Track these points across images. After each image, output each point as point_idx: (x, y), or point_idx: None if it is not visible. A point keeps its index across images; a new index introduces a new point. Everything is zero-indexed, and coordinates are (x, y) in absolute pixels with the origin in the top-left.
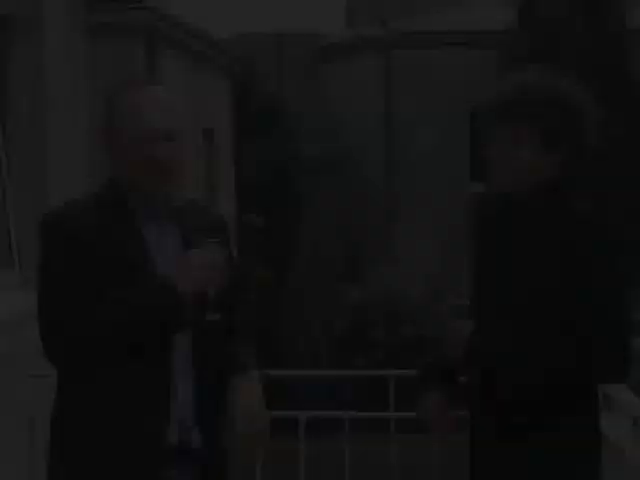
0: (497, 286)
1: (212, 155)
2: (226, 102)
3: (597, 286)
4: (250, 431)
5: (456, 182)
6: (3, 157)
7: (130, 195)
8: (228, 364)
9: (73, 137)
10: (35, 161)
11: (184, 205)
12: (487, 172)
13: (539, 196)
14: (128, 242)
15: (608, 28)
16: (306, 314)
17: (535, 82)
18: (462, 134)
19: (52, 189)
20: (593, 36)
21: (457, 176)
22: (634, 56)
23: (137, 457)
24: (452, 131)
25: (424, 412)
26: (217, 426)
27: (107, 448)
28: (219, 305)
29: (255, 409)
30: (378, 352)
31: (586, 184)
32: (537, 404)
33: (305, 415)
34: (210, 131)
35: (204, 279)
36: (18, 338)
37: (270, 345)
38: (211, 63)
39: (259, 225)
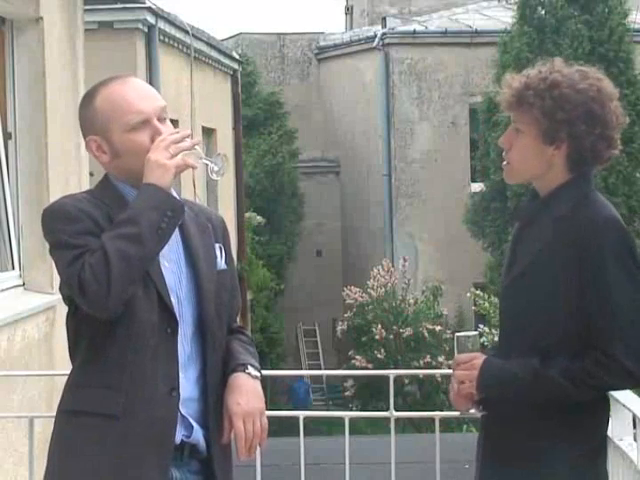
0: (510, 293)
1: (212, 155)
2: (226, 102)
3: (613, 290)
4: (247, 428)
5: (456, 182)
6: (3, 158)
7: (125, 189)
8: (229, 363)
9: (73, 138)
10: (35, 162)
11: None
12: (487, 171)
13: (554, 195)
14: None
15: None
16: (306, 314)
17: (538, 72)
18: (462, 134)
19: (52, 190)
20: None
21: (457, 176)
22: (634, 56)
23: (141, 455)
24: (452, 131)
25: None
26: (221, 424)
27: (111, 446)
28: (208, 276)
29: (252, 406)
30: (378, 352)
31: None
32: (546, 406)
33: (305, 415)
34: (210, 131)
35: (169, 158)
36: (18, 338)
37: (270, 345)
38: (211, 63)
39: (259, 224)
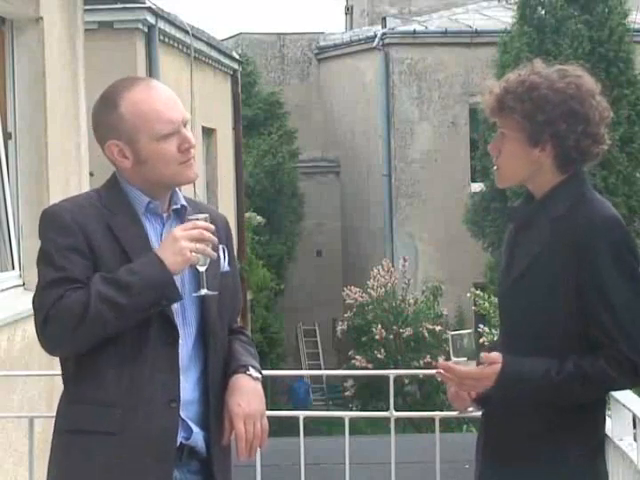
0: (510, 294)
1: (212, 155)
2: (226, 102)
3: (612, 289)
4: (248, 429)
5: (456, 182)
6: (3, 158)
7: (134, 192)
8: (230, 364)
9: (73, 138)
10: (35, 162)
11: (186, 204)
12: (487, 171)
13: (550, 196)
14: (130, 238)
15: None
16: (306, 314)
17: (517, 76)
18: (462, 134)
19: (52, 190)
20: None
21: (457, 176)
22: (634, 56)
23: (143, 457)
24: (452, 131)
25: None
26: (221, 425)
27: (113, 448)
28: (211, 280)
29: (253, 407)
30: (378, 352)
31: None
32: (545, 408)
33: (305, 415)
34: (210, 131)
35: (192, 251)
36: (18, 338)
37: (270, 345)
38: (211, 63)
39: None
